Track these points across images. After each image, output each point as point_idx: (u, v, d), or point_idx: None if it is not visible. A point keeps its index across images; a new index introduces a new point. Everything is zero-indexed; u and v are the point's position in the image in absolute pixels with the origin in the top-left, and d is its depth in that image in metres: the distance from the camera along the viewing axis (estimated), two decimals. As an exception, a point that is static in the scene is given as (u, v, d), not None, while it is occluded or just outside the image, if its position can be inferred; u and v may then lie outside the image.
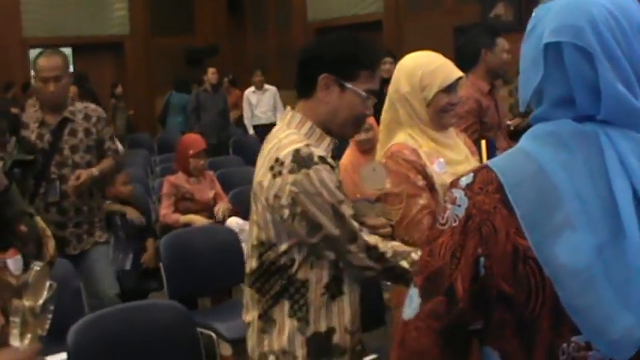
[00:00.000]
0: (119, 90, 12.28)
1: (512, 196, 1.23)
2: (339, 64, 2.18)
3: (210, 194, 5.51)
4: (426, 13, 10.97)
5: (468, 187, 1.28)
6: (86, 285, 3.99)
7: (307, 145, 2.12)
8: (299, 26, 13.37)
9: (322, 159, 2.11)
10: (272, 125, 2.28)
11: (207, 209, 5.41)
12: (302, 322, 2.15)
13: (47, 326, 1.83)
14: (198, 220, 5.25)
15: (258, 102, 11.15)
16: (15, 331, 1.76)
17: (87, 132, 4.20)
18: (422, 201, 2.52)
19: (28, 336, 1.78)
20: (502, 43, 4.35)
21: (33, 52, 14.16)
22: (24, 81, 10.95)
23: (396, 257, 2.16)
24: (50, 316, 1.82)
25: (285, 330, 2.16)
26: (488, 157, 2.86)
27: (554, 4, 1.30)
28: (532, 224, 1.22)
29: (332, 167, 2.14)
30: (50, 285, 1.83)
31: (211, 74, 10.40)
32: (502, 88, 6.68)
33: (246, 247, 4.76)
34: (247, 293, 2.27)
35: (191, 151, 5.44)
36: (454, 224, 1.28)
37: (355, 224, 2.13)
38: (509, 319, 1.26)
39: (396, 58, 5.68)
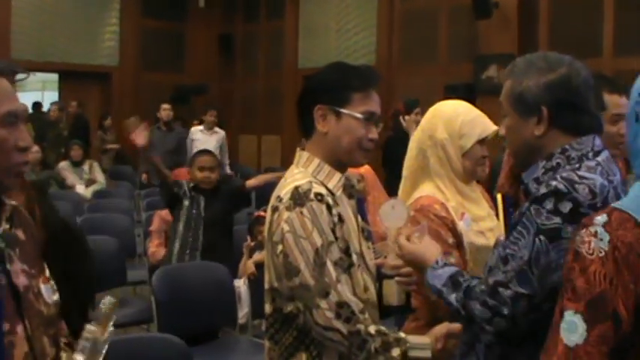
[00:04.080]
0: (108, 122, 12.03)
1: None
2: (329, 91, 2.14)
3: (201, 231, 5.41)
4: (418, 68, 11.11)
5: (606, 224, 1.45)
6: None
7: (309, 182, 2.08)
8: (289, 72, 13.44)
9: (319, 196, 2.06)
10: None
11: (198, 246, 5.31)
12: None
13: None
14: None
15: (204, 143, 10.76)
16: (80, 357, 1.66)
17: None
18: (451, 259, 2.44)
19: None
20: None
21: (19, 75, 14.04)
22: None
23: (367, 324, 2.00)
24: (101, 359, 1.69)
25: None
26: (505, 212, 2.84)
27: None
28: None
29: (329, 206, 2.07)
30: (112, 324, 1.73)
31: (163, 110, 9.49)
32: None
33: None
34: (265, 342, 2.22)
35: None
36: (601, 254, 1.43)
37: (334, 274, 2.03)
38: None
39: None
